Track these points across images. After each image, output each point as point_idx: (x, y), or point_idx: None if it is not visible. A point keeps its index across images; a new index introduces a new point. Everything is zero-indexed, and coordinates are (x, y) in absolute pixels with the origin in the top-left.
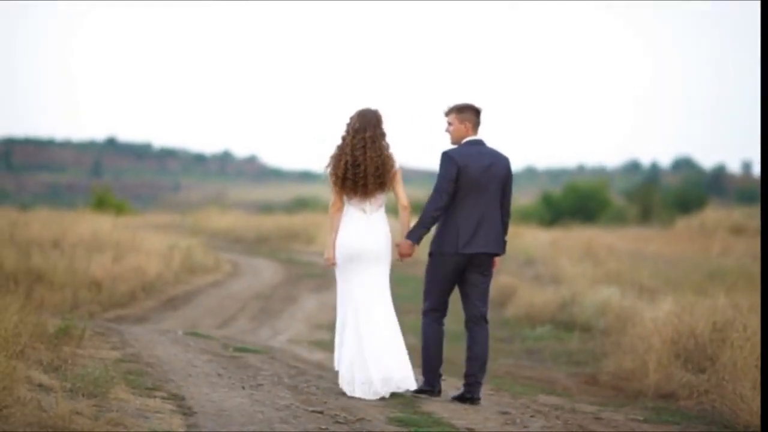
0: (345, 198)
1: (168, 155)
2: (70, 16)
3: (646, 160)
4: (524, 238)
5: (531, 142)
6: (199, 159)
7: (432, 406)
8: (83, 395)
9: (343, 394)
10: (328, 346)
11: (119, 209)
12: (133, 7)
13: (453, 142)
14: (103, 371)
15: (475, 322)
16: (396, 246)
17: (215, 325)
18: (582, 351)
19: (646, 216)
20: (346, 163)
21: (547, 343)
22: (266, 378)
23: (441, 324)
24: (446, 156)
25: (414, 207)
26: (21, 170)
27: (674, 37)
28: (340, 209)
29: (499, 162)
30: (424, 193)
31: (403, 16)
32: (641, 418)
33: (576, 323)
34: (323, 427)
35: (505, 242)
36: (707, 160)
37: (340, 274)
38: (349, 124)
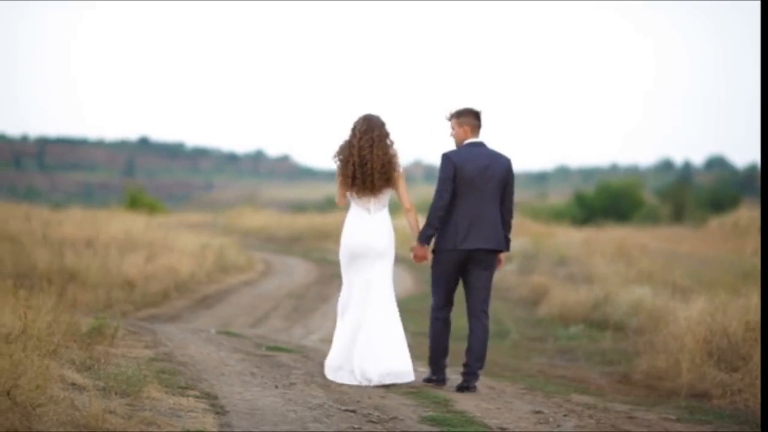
0: (351, 197)
1: (201, 154)
2: (105, 16)
3: (679, 159)
4: (557, 238)
5: (564, 141)
6: (232, 158)
7: (465, 404)
8: (116, 394)
9: (369, 391)
10: None
11: (152, 209)
12: (166, 6)
13: (456, 145)
14: (136, 370)
15: (475, 315)
16: (411, 251)
17: (248, 324)
18: (615, 350)
19: (678, 215)
20: (353, 164)
21: (580, 343)
22: (299, 377)
23: (447, 318)
24: (444, 157)
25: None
26: (54, 170)
27: (709, 35)
28: (343, 203)
29: (498, 163)
30: None
31: (435, 16)
32: (674, 418)
33: (609, 322)
34: (356, 426)
35: (508, 240)
36: (740, 159)
37: (344, 270)
38: (355, 128)
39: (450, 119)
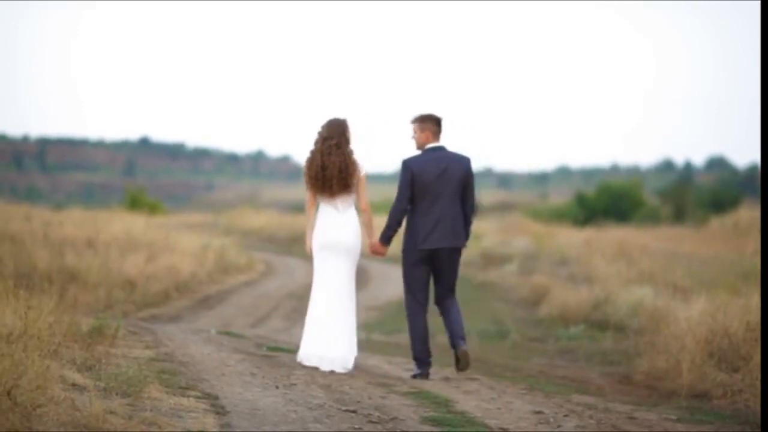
0: (318, 197)
1: (201, 155)
2: (105, 16)
3: (679, 160)
4: (558, 238)
5: (564, 141)
6: (233, 159)
7: (465, 405)
8: (117, 394)
9: (373, 392)
10: (361, 346)
11: (153, 209)
12: (166, 6)
13: (417, 148)
14: (137, 370)
15: (445, 299)
16: (369, 245)
17: (248, 325)
18: (615, 351)
19: (679, 215)
20: (317, 166)
21: (581, 343)
22: (299, 377)
23: (423, 313)
24: (403, 164)
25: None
26: (55, 170)
27: (709, 35)
28: (313, 207)
29: (457, 165)
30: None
31: (436, 17)
32: (675, 418)
33: (609, 323)
34: (356, 426)
35: (468, 233)
36: (741, 159)
37: (316, 263)
38: (319, 133)
39: (413, 123)
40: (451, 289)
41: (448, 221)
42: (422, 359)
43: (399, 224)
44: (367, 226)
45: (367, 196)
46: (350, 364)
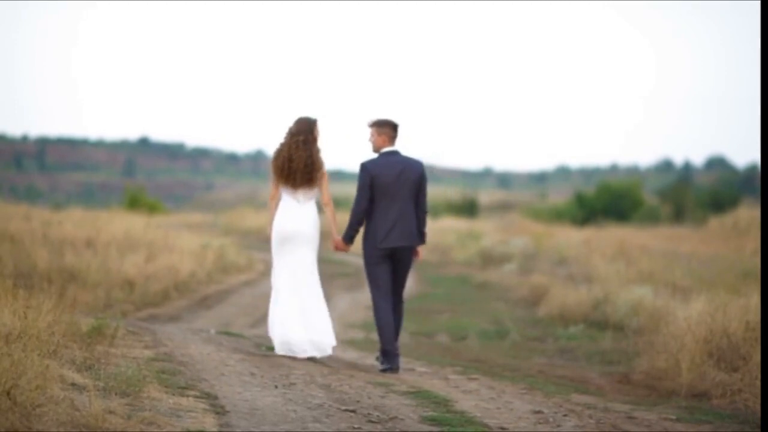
0: (282, 188)
1: (201, 155)
2: (105, 16)
3: (679, 159)
4: (557, 238)
5: (564, 141)
6: (232, 158)
7: (465, 404)
8: (116, 394)
9: (372, 391)
10: (361, 345)
11: (152, 209)
12: (166, 6)
13: (373, 151)
14: (136, 370)
15: (392, 296)
16: (332, 241)
17: (248, 324)
18: (615, 350)
19: (679, 215)
20: (284, 159)
21: (580, 343)
22: (299, 377)
23: (389, 307)
24: (362, 167)
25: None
26: (54, 170)
27: (709, 35)
28: (275, 197)
29: (411, 168)
30: (451, 191)
31: (437, 17)
32: (674, 417)
33: (609, 322)
34: (356, 426)
35: (423, 234)
36: (740, 159)
37: (275, 252)
38: (289, 129)
39: (370, 126)
40: (401, 288)
41: (406, 221)
42: (391, 352)
43: (360, 224)
44: (330, 220)
45: (329, 192)
46: (329, 349)
